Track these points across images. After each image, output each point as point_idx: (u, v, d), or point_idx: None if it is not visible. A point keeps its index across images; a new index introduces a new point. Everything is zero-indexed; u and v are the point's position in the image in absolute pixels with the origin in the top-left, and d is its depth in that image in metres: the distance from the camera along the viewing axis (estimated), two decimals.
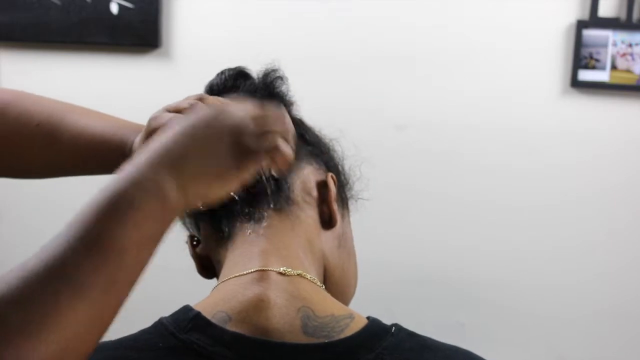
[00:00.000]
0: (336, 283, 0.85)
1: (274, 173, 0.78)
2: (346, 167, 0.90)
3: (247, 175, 0.66)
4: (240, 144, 0.64)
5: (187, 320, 0.75)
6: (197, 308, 0.76)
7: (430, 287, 1.83)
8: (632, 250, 1.80)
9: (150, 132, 0.73)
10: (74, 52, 1.90)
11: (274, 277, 0.77)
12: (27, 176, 0.95)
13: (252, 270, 0.77)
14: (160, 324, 0.76)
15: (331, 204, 0.84)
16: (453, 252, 1.83)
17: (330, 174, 0.86)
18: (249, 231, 0.81)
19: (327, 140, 0.90)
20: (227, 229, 0.82)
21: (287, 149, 0.68)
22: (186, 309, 0.76)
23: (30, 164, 0.90)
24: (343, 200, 0.88)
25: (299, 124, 0.88)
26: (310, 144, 0.87)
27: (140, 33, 1.86)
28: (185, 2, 1.87)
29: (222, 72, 0.89)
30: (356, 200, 0.91)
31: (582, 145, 1.79)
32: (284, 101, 0.89)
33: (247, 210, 0.81)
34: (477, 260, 1.83)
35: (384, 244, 1.78)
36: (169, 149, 0.62)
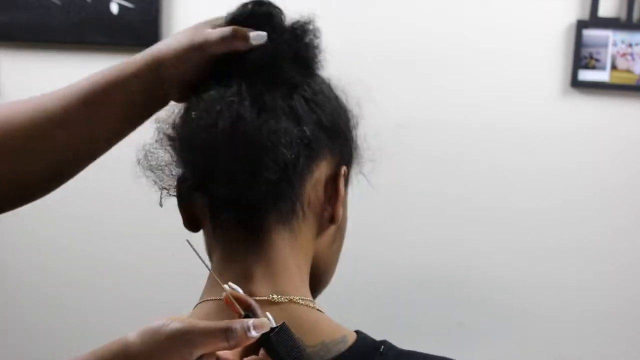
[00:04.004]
0: (317, 274, 0.79)
1: None
2: (358, 140, 0.82)
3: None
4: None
5: None
6: None
7: (429, 287, 1.83)
8: (632, 250, 1.80)
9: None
10: (74, 52, 1.90)
11: (262, 305, 0.69)
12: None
13: None
14: None
15: (337, 207, 0.76)
16: (453, 252, 1.83)
17: (343, 168, 0.77)
18: (242, 238, 0.74)
19: (343, 113, 0.82)
20: (222, 221, 0.74)
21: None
22: None
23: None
24: (347, 182, 0.79)
25: (318, 103, 0.78)
26: (327, 129, 0.77)
27: (140, 33, 1.86)
28: (185, 2, 1.87)
29: (246, 4, 0.84)
30: (357, 174, 0.82)
31: (582, 145, 1.79)
32: (314, 57, 0.85)
33: (244, 217, 0.73)
34: (477, 259, 1.83)
35: (384, 243, 1.78)
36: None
